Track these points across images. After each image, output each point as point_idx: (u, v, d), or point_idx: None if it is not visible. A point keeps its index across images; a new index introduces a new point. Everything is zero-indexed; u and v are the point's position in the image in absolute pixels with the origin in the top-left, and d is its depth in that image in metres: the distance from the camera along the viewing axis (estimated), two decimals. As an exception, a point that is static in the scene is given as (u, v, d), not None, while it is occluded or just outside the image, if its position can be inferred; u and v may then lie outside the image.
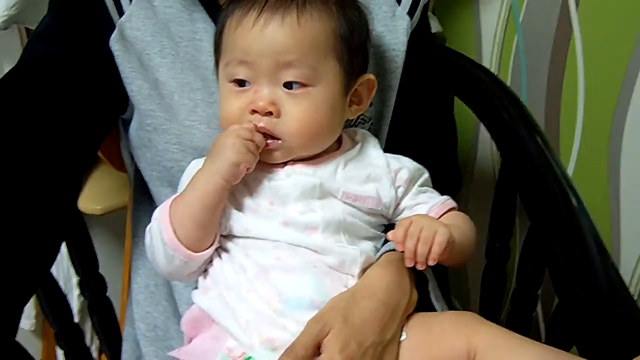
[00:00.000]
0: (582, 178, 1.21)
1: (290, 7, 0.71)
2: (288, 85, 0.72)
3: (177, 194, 0.74)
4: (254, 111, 0.72)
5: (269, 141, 0.73)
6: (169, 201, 0.73)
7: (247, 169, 0.72)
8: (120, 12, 0.81)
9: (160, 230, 0.72)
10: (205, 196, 0.71)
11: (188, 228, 0.71)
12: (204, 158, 0.74)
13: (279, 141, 0.73)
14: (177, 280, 0.85)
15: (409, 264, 0.69)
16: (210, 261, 0.75)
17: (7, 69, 0.82)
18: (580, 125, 1.21)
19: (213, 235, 0.73)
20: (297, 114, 0.72)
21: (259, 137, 0.71)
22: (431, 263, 0.68)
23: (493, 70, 1.35)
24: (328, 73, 0.73)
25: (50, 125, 0.78)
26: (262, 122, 0.72)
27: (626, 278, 1.18)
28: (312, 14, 0.72)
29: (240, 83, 0.74)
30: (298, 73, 0.71)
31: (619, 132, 1.14)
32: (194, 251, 0.72)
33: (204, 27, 0.82)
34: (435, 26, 1.34)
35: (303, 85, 0.72)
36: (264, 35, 0.71)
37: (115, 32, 0.81)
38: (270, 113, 0.72)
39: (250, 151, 0.71)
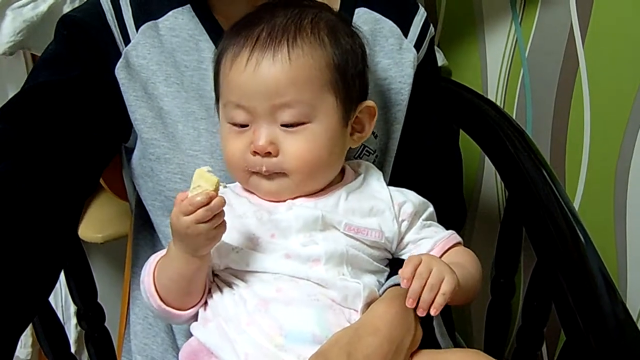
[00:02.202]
0: (588, 212, 1.20)
1: (281, 43, 0.71)
2: (286, 124, 0.72)
3: (161, 256, 0.73)
4: (255, 153, 0.72)
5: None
6: (152, 263, 0.74)
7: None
8: (127, 41, 0.81)
9: (147, 296, 0.73)
10: (183, 271, 0.71)
11: (175, 296, 0.73)
12: None
13: (279, 177, 0.73)
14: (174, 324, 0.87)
15: (411, 305, 0.67)
16: (210, 293, 0.74)
17: (11, 95, 0.82)
18: (587, 158, 1.20)
19: (201, 294, 0.74)
20: (295, 151, 0.72)
21: (216, 203, 0.66)
22: (433, 313, 0.66)
23: (498, 103, 1.35)
24: (325, 107, 0.73)
25: (51, 151, 0.77)
26: (264, 164, 0.72)
27: (634, 313, 1.17)
28: (304, 48, 0.72)
29: (240, 124, 0.74)
30: (294, 112, 0.71)
31: (626, 166, 1.13)
32: (184, 310, 0.73)
33: (210, 56, 0.82)
34: (440, 59, 1.34)
35: (300, 122, 0.72)
36: (257, 77, 0.71)
37: (120, 60, 0.81)
38: (270, 153, 0.72)
39: (218, 228, 0.68)
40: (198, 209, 0.66)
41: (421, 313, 0.67)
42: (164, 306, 0.72)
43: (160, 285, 0.73)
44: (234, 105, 0.73)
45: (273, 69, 0.71)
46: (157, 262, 0.73)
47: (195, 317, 0.75)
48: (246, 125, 0.73)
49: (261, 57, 0.71)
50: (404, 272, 0.67)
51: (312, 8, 0.76)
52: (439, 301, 0.66)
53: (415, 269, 0.67)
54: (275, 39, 0.71)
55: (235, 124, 0.74)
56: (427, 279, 0.66)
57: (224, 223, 0.68)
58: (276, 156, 0.72)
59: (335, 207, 0.75)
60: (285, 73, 0.71)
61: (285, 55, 0.71)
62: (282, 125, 0.72)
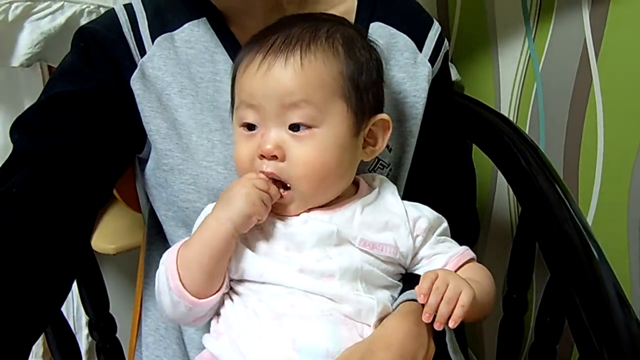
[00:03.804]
0: (601, 227, 1.19)
1: (294, 49, 0.72)
2: (294, 127, 0.72)
3: (186, 239, 0.73)
4: (262, 156, 0.72)
5: (282, 191, 0.72)
6: (177, 245, 0.73)
7: (258, 220, 0.71)
8: (142, 52, 0.82)
9: (167, 276, 0.71)
10: (213, 244, 0.70)
11: (194, 275, 0.71)
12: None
13: (289, 190, 0.72)
14: (183, 324, 0.85)
15: (428, 320, 0.67)
16: (223, 305, 0.74)
17: (28, 106, 0.83)
18: (600, 174, 1.20)
19: (220, 282, 0.72)
20: (302, 157, 0.72)
21: (274, 189, 0.71)
22: (452, 325, 0.66)
23: (511, 118, 1.34)
24: (335, 114, 0.72)
25: (66, 161, 0.78)
26: (270, 167, 0.72)
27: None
28: (316, 55, 0.72)
29: (250, 127, 0.74)
30: (302, 114, 0.71)
31: (640, 182, 1.13)
32: (199, 298, 0.71)
33: (225, 68, 0.83)
34: (453, 74, 1.34)
35: (308, 127, 0.72)
36: (267, 78, 0.71)
37: (136, 71, 0.81)
38: (276, 157, 0.72)
39: (264, 203, 0.71)
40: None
41: (438, 327, 0.67)
42: (181, 287, 0.70)
43: (183, 263, 0.71)
44: (245, 105, 0.73)
45: (284, 72, 0.71)
46: (183, 244, 0.72)
47: (207, 328, 0.74)
48: (255, 127, 0.73)
49: (273, 61, 0.71)
50: (420, 288, 0.67)
51: (330, 21, 0.76)
52: (458, 313, 0.66)
53: (432, 284, 0.67)
54: (289, 45, 0.72)
55: (245, 125, 0.74)
56: (444, 292, 0.66)
57: (267, 210, 0.71)
58: (282, 161, 0.72)
59: (351, 221, 0.74)
60: (296, 76, 0.71)
61: (297, 60, 0.71)
62: (290, 129, 0.72)
